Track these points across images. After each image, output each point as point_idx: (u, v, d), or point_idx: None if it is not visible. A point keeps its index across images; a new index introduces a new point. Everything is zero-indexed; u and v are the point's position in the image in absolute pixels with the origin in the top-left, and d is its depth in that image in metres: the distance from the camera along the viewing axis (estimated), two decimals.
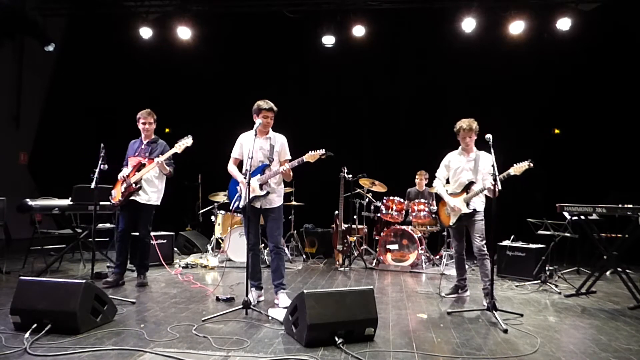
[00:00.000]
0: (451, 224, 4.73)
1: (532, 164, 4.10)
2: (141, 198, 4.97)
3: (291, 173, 4.28)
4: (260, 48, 8.89)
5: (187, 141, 4.84)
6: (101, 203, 5.56)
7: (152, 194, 5.03)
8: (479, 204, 4.58)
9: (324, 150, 4.14)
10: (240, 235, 6.43)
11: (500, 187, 4.06)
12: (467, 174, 4.63)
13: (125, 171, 5.01)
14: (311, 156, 4.13)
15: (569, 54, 7.80)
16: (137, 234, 5.09)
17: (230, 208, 4.45)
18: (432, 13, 7.88)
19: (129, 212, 5.04)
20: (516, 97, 8.22)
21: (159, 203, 5.15)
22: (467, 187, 4.59)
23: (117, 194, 5.00)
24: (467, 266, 5.00)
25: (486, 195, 4.56)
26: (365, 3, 7.85)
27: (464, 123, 4.60)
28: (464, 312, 4.23)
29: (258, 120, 4.19)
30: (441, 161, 4.89)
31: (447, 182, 4.90)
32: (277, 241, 4.31)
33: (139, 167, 4.95)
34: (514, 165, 4.19)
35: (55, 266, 5.78)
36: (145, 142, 5.11)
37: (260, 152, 4.28)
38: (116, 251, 5.13)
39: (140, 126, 5.08)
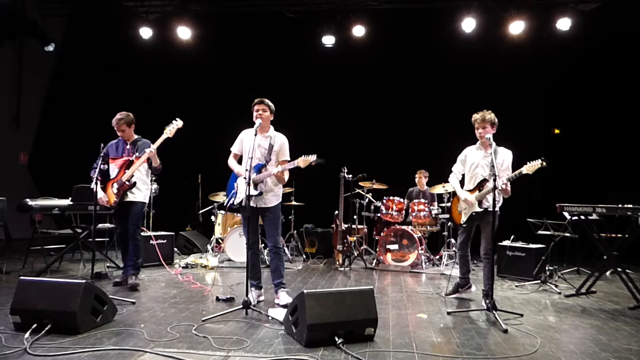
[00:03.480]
0: (462, 222, 4.55)
1: (545, 163, 3.93)
2: (135, 197, 4.92)
3: (285, 176, 4.20)
4: (260, 48, 8.89)
5: (178, 123, 4.78)
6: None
7: (144, 191, 5.03)
8: (494, 201, 4.28)
9: (315, 156, 4.02)
10: (239, 235, 6.43)
11: (500, 187, 4.03)
12: (482, 170, 4.40)
13: (100, 192, 4.76)
14: (303, 161, 4.04)
15: (569, 54, 7.80)
16: (128, 232, 4.96)
17: (225, 204, 4.44)
18: (432, 13, 7.89)
19: (124, 213, 4.98)
20: (516, 97, 8.21)
21: (147, 200, 5.15)
22: (480, 185, 4.39)
23: (110, 196, 4.88)
24: (470, 264, 4.87)
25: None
26: (365, 3, 7.85)
27: (477, 114, 4.40)
28: (464, 312, 4.23)
29: (258, 120, 4.17)
30: (454, 155, 4.70)
31: (463, 178, 4.68)
32: (276, 241, 4.31)
33: (128, 165, 4.87)
34: (527, 163, 4.02)
35: (55, 266, 5.78)
36: (129, 142, 5.01)
37: (258, 150, 4.25)
38: (121, 253, 5.14)
39: (118, 133, 4.99)
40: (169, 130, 4.78)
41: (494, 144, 4.32)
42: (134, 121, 5.04)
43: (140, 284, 4.98)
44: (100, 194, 4.81)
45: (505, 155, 4.36)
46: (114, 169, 4.95)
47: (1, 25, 8.11)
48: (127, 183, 4.84)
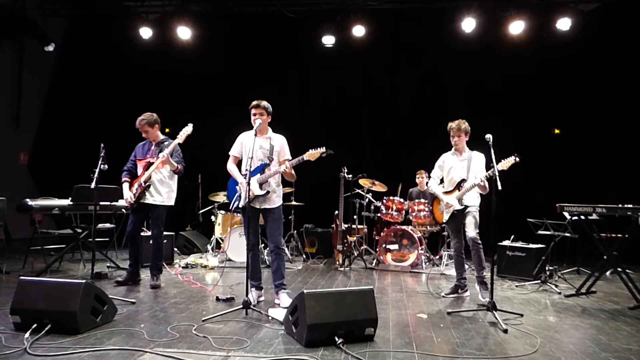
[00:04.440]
0: (444, 220, 4.92)
1: (518, 158, 4.17)
2: (155, 199, 4.94)
3: (294, 172, 4.25)
4: (260, 48, 8.89)
5: (187, 129, 4.81)
6: (101, 203, 5.57)
7: (165, 194, 5.00)
8: (473, 199, 4.69)
9: (324, 148, 4.09)
10: (240, 235, 6.43)
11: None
12: (459, 172, 4.77)
13: (126, 192, 5.00)
14: (311, 154, 4.08)
15: (569, 54, 7.80)
16: (150, 234, 5.13)
17: (230, 208, 4.44)
18: (432, 13, 7.89)
19: (140, 213, 5.04)
20: (516, 97, 8.22)
21: (172, 203, 5.12)
22: (458, 185, 4.73)
23: (130, 195, 4.99)
24: (466, 265, 5.01)
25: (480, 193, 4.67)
26: (365, 3, 7.85)
27: (453, 123, 4.77)
28: (464, 312, 4.23)
29: (258, 121, 4.18)
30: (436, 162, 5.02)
31: (442, 181, 5.02)
32: (278, 241, 4.31)
33: (148, 166, 4.94)
34: (501, 160, 4.24)
35: (55, 266, 5.78)
36: (154, 143, 5.08)
37: (260, 151, 4.27)
38: (129, 251, 5.14)
39: (143, 134, 5.08)
40: (180, 137, 4.82)
41: (467, 149, 4.83)
42: (158, 121, 5.10)
43: (161, 285, 5.02)
44: (127, 194, 4.96)
45: (480, 159, 4.72)
46: (139, 169, 5.04)
47: (1, 25, 8.10)
48: (142, 184, 4.89)
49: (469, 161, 4.73)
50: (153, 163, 4.92)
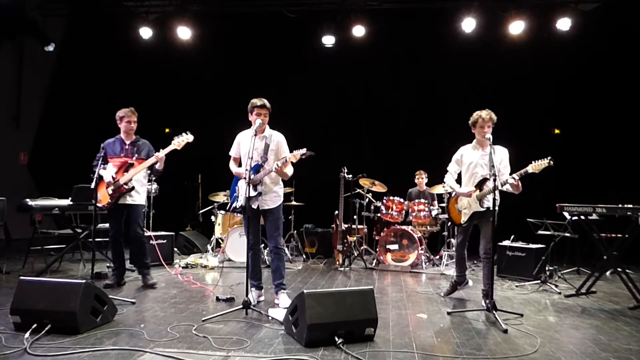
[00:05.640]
0: (462, 222, 4.52)
1: (552, 162, 3.89)
2: (133, 199, 4.85)
3: (287, 171, 4.15)
4: (260, 48, 8.89)
5: (188, 137, 4.68)
6: None
7: (143, 193, 4.99)
8: (497, 200, 4.24)
9: (305, 149, 4.03)
10: (240, 235, 6.43)
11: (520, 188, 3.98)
12: (481, 169, 4.37)
13: (107, 173, 4.73)
14: (294, 155, 4.02)
15: (569, 54, 7.80)
16: (131, 234, 4.91)
17: (228, 208, 4.43)
18: (432, 13, 7.88)
19: (119, 214, 4.88)
20: (516, 97, 8.22)
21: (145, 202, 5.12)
22: (480, 184, 4.34)
23: (103, 196, 4.76)
24: (467, 265, 4.90)
25: (502, 191, 4.22)
26: (365, 3, 7.85)
27: (483, 112, 4.35)
28: (464, 312, 4.23)
29: (258, 121, 4.16)
30: (452, 155, 4.65)
31: (459, 177, 4.65)
32: (277, 241, 4.31)
33: (127, 167, 4.77)
34: (532, 162, 3.98)
35: (55, 266, 5.78)
36: (128, 142, 4.92)
37: (255, 152, 4.21)
38: (112, 255, 5.06)
39: (124, 125, 4.87)
40: (177, 142, 4.67)
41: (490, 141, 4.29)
42: None
43: (156, 283, 5.02)
44: (109, 173, 4.77)
45: (502, 154, 4.38)
46: (112, 168, 4.81)
47: (1, 25, 8.11)
48: (125, 187, 4.74)
49: (490, 156, 4.19)
50: (131, 163, 4.77)
